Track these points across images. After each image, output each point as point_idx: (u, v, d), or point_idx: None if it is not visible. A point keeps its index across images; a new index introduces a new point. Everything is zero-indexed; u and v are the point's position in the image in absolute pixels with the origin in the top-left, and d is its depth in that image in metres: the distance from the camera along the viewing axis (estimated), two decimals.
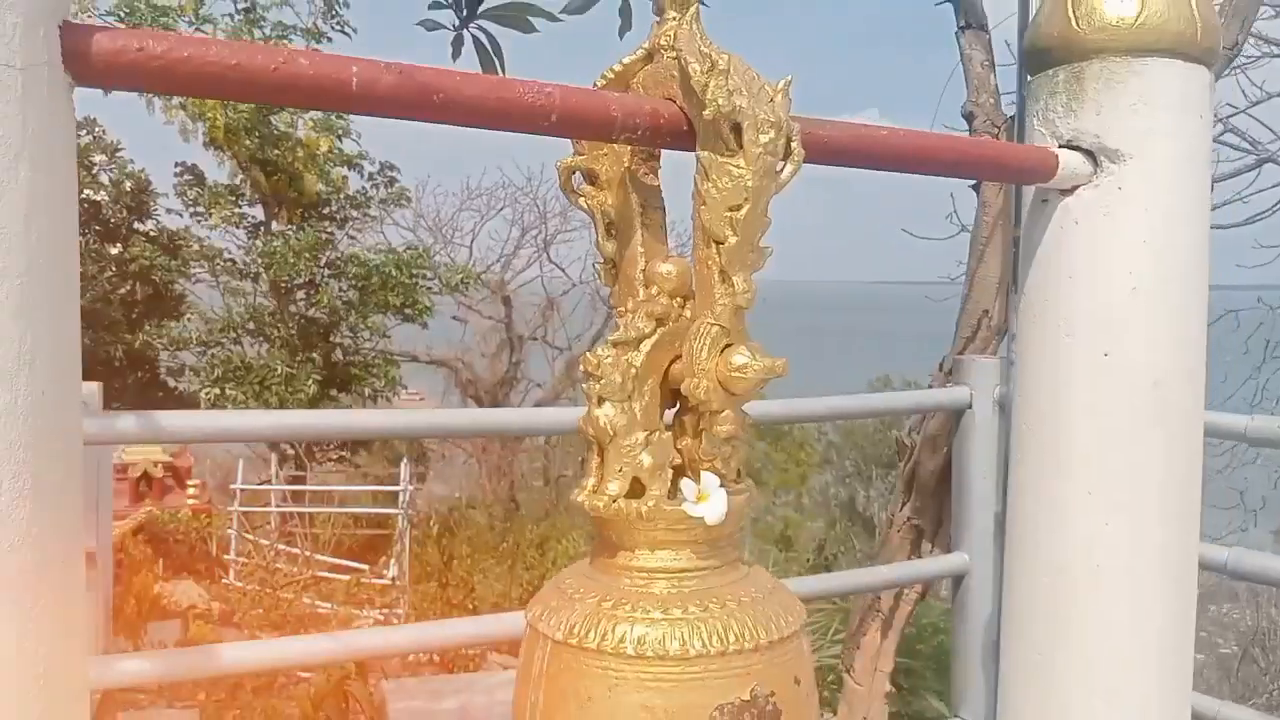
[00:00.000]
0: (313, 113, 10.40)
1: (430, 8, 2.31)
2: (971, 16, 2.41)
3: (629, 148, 0.95)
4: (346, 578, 8.76)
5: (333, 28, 10.99)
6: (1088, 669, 1.16)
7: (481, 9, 2.28)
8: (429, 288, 11.71)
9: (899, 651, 2.62)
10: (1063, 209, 1.14)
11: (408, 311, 11.54)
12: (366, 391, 11.54)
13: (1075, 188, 1.13)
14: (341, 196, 11.63)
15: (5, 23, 0.65)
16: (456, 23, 2.28)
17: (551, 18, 2.30)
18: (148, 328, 11.36)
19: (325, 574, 8.81)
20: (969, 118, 2.41)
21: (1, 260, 0.65)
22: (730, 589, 0.90)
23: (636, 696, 0.85)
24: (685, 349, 0.90)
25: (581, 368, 0.91)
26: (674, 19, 0.91)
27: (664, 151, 0.96)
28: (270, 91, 0.74)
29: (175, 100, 10.78)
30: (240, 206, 11.64)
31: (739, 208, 0.86)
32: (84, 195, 11.55)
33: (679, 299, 0.93)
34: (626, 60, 0.94)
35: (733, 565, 0.93)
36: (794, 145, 0.89)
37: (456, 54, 2.34)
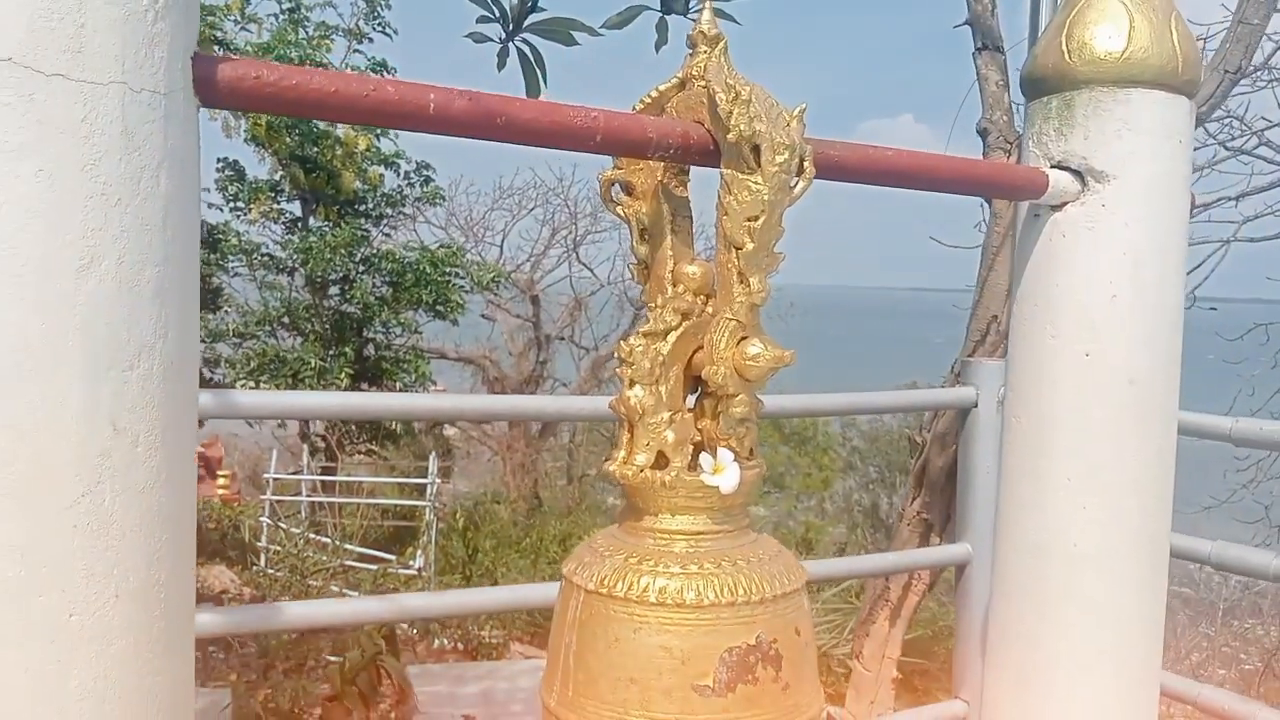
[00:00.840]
0: None
1: (478, 20, 2.45)
2: (988, 39, 2.53)
3: (662, 164, 1.08)
4: (374, 567, 8.93)
5: (374, 29, 11.19)
6: (1065, 639, 1.28)
7: (527, 23, 2.42)
8: (461, 285, 11.89)
9: (916, 653, 2.72)
10: (1052, 223, 1.27)
11: (440, 309, 11.71)
12: (397, 386, 11.73)
13: (1064, 204, 1.25)
14: (378, 194, 11.82)
15: (154, 56, 0.79)
16: (503, 35, 2.42)
17: (593, 32, 2.43)
18: None
19: (353, 563, 8.98)
20: (983, 134, 2.52)
21: (145, 252, 0.79)
22: (740, 550, 1.03)
23: (657, 638, 0.98)
24: (706, 340, 1.03)
25: (616, 354, 1.04)
26: (705, 52, 1.04)
27: (692, 167, 1.09)
28: (363, 114, 0.88)
29: None
30: (279, 202, 11.87)
31: (756, 218, 0.99)
32: None
33: (702, 296, 1.07)
34: (662, 87, 1.08)
35: (743, 530, 1.06)
36: (806, 164, 1.02)
37: (501, 65, 2.47)
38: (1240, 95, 6.95)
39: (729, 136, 0.98)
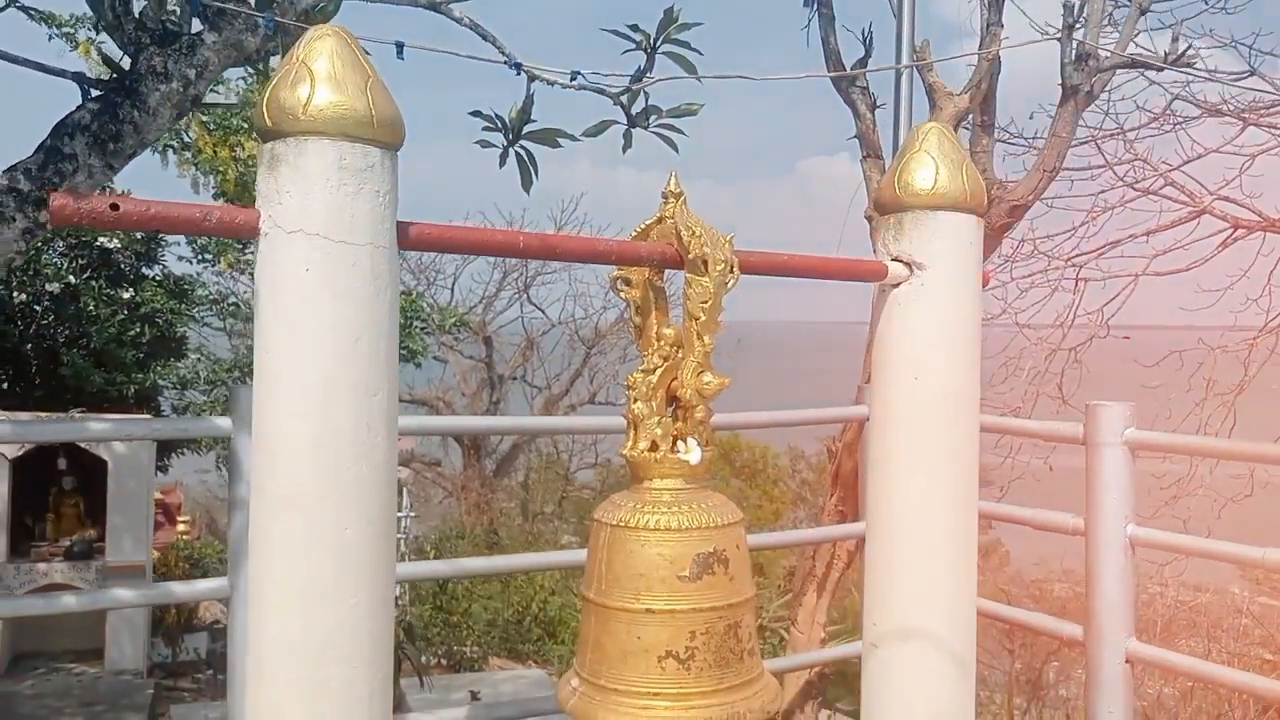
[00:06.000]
0: None
1: (483, 129, 3.16)
2: (870, 149, 3.31)
3: (649, 268, 1.78)
4: None
5: None
6: (907, 572, 1.99)
7: (524, 132, 3.13)
8: (423, 329, 12.50)
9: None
10: (893, 296, 1.99)
11: (402, 353, 12.30)
12: None
13: (899, 284, 1.98)
14: None
15: (384, 226, 1.47)
16: (505, 142, 3.14)
17: (574, 139, 3.15)
18: (157, 368, 12.05)
19: None
20: (870, 219, 3.27)
21: (380, 331, 1.47)
22: (702, 499, 1.72)
23: (655, 550, 1.67)
24: (680, 373, 1.73)
25: (626, 383, 1.73)
26: (673, 202, 1.75)
27: (666, 270, 1.80)
28: (489, 249, 1.58)
29: (189, 155, 11.64)
30: (246, 253, 12.43)
31: (707, 302, 1.69)
32: (98, 243, 12.27)
33: (675, 347, 1.76)
34: (648, 222, 1.78)
35: (703, 489, 1.75)
36: (735, 269, 1.73)
37: (503, 164, 3.18)
38: (1148, 139, 7.78)
39: (689, 255, 1.69)
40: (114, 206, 1.37)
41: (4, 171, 2.48)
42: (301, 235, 1.42)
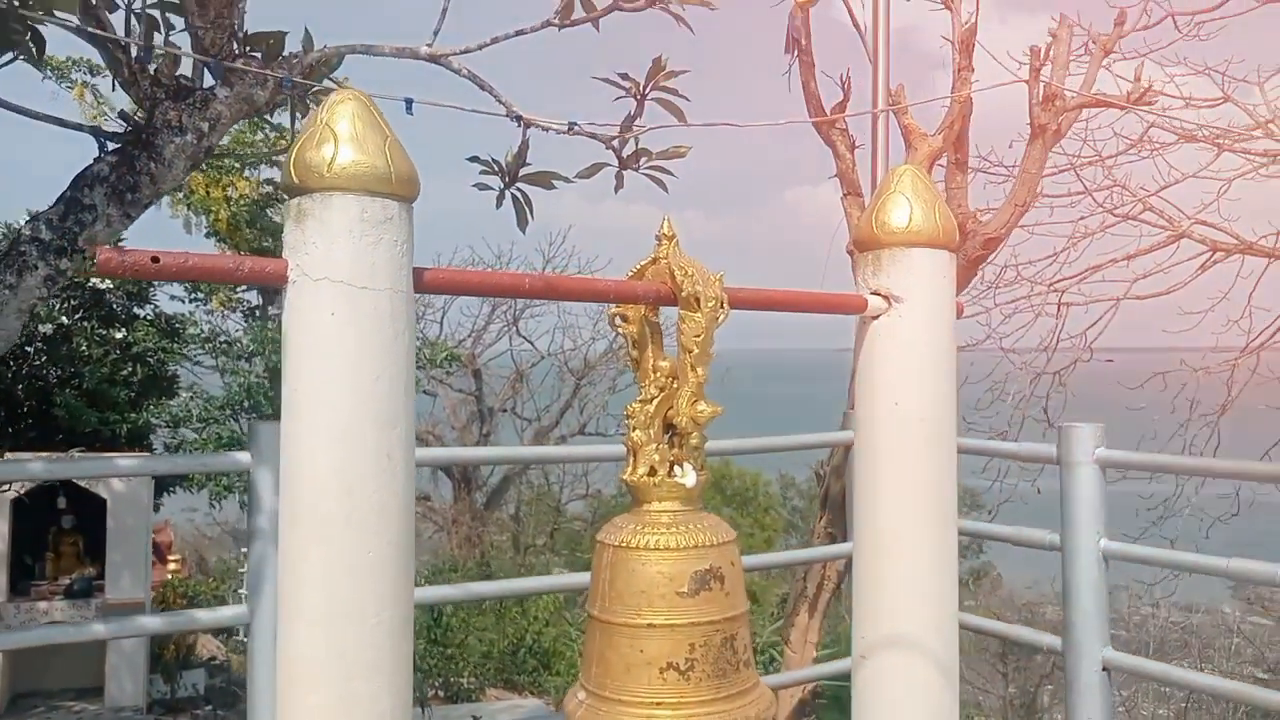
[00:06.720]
0: None
1: (481, 173, 3.29)
2: (850, 187, 3.47)
3: (645, 304, 1.91)
4: None
5: None
6: (893, 587, 2.11)
7: (520, 174, 3.26)
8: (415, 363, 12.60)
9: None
10: (873, 328, 2.12)
11: None
12: None
13: (878, 315, 2.11)
14: None
15: (402, 274, 1.60)
16: (501, 185, 3.27)
17: (567, 180, 3.29)
18: (149, 407, 12.12)
19: None
20: (851, 254, 3.42)
21: (398, 370, 1.59)
22: (698, 520, 1.85)
23: (656, 568, 1.78)
24: (675, 402, 1.85)
25: (625, 412, 1.86)
26: (666, 244, 1.88)
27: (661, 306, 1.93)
28: (497, 290, 1.71)
29: (181, 195, 11.78)
30: (237, 292, 12.54)
31: (699, 336, 1.82)
32: (90, 283, 12.35)
33: (671, 378, 1.89)
34: (643, 263, 1.92)
35: (699, 510, 1.87)
36: (725, 305, 1.86)
37: (499, 205, 3.31)
38: (1126, 165, 7.96)
39: (682, 293, 1.82)
40: (154, 259, 1.49)
41: (27, 222, 2.61)
42: (327, 283, 1.54)
